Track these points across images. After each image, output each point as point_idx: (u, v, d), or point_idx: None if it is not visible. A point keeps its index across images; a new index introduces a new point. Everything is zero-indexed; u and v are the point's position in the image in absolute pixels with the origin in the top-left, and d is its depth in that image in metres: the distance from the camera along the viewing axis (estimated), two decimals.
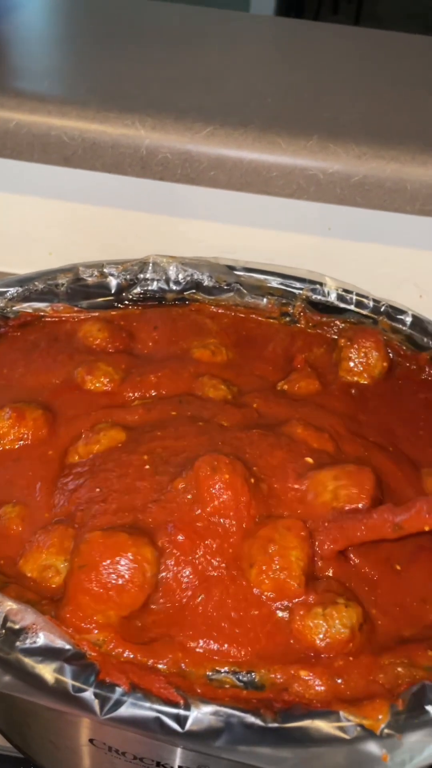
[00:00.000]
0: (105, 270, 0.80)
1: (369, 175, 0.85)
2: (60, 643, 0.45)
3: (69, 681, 0.43)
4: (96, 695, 0.43)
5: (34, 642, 0.45)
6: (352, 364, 0.74)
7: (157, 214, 0.98)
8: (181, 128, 0.86)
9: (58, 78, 0.96)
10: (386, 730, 0.43)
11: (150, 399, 0.65)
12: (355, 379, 0.74)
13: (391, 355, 0.77)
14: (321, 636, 0.48)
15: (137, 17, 1.18)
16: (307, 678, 0.46)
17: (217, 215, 0.97)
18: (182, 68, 1.01)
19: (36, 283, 0.77)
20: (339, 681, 0.46)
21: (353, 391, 0.73)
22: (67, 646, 0.45)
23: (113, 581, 0.47)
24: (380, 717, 0.43)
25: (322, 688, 0.46)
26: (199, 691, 0.44)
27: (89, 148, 0.88)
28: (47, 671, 0.44)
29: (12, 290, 0.76)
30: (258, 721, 0.42)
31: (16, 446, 0.61)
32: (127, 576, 0.48)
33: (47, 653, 0.44)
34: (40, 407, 0.63)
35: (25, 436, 0.61)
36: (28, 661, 0.44)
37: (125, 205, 0.98)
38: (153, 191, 0.95)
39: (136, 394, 0.66)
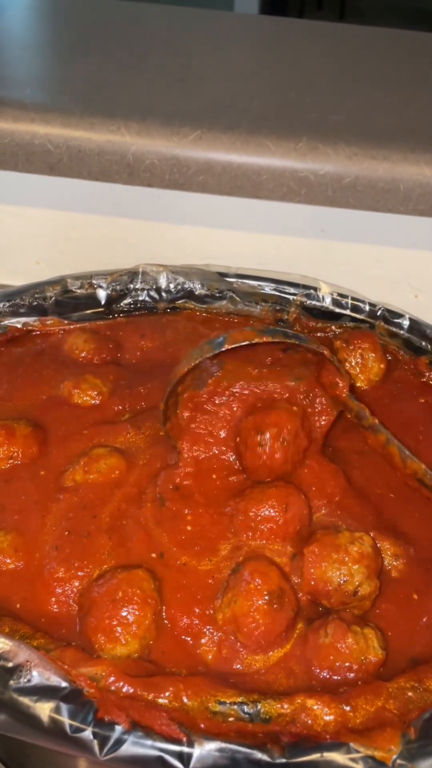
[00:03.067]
0: (94, 281, 0.78)
1: (361, 175, 0.84)
2: (55, 680, 0.43)
3: (66, 720, 0.42)
4: (95, 735, 0.41)
5: (29, 680, 0.43)
6: (348, 366, 0.72)
7: (146, 221, 0.96)
8: (167, 133, 0.84)
9: (41, 85, 0.94)
10: (399, 761, 0.41)
11: (140, 411, 0.63)
12: (352, 382, 0.72)
13: (388, 357, 0.75)
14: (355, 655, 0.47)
15: (119, 21, 1.16)
16: (315, 707, 0.44)
17: (207, 221, 0.95)
18: (167, 71, 0.99)
19: (23, 297, 0.75)
20: (348, 709, 0.44)
21: None
22: (64, 684, 0.43)
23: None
24: (392, 748, 0.41)
25: (331, 717, 0.44)
26: (202, 726, 0.43)
27: (75, 156, 0.86)
28: (43, 711, 0.42)
29: None
30: (265, 757, 0.41)
31: (7, 466, 0.59)
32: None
33: (43, 692, 0.43)
34: (30, 424, 0.61)
35: (16, 454, 0.59)
36: (23, 700, 0.42)
37: (113, 212, 0.96)
38: (141, 198, 0.93)
39: (126, 406, 0.64)
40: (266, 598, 0.49)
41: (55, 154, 0.85)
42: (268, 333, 0.57)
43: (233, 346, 0.56)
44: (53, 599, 0.51)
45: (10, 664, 0.43)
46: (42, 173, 0.87)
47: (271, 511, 0.53)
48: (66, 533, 0.53)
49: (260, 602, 0.49)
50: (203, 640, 0.49)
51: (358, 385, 0.72)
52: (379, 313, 0.78)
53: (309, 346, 0.60)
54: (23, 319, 0.74)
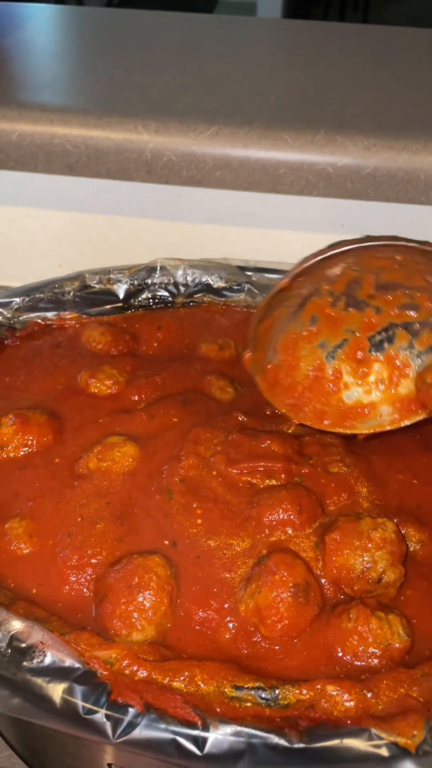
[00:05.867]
0: (112, 276, 0.78)
1: (380, 166, 0.83)
2: (69, 661, 0.42)
3: (79, 702, 0.41)
4: (108, 717, 0.40)
5: (42, 661, 0.42)
6: None
7: (165, 220, 0.97)
8: (184, 130, 0.85)
9: (59, 88, 0.95)
10: (424, 747, 0.39)
11: (156, 399, 0.62)
12: None
13: None
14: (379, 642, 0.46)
15: (139, 27, 1.17)
16: (334, 693, 0.43)
17: (225, 217, 0.95)
18: (184, 72, 0.99)
19: (42, 292, 0.75)
20: (369, 695, 0.43)
21: None
22: (77, 665, 0.42)
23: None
24: (415, 734, 0.40)
25: (351, 703, 0.42)
26: (218, 710, 0.41)
27: (93, 155, 0.86)
28: (56, 692, 0.41)
29: (18, 300, 0.74)
30: (283, 742, 0.39)
31: (21, 453, 0.59)
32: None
33: (56, 673, 0.42)
34: (45, 413, 0.61)
35: (30, 442, 0.59)
36: (35, 681, 0.42)
37: (132, 212, 0.96)
38: (160, 197, 0.94)
39: (142, 396, 0.64)
40: (292, 590, 0.48)
41: (74, 153, 0.86)
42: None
43: None
44: (67, 586, 0.50)
45: (23, 645, 0.43)
46: (61, 173, 0.88)
47: (286, 515, 0.52)
48: (79, 519, 0.53)
49: (285, 594, 0.47)
50: (221, 632, 0.48)
51: None
52: None
53: None
54: (42, 314, 0.74)
